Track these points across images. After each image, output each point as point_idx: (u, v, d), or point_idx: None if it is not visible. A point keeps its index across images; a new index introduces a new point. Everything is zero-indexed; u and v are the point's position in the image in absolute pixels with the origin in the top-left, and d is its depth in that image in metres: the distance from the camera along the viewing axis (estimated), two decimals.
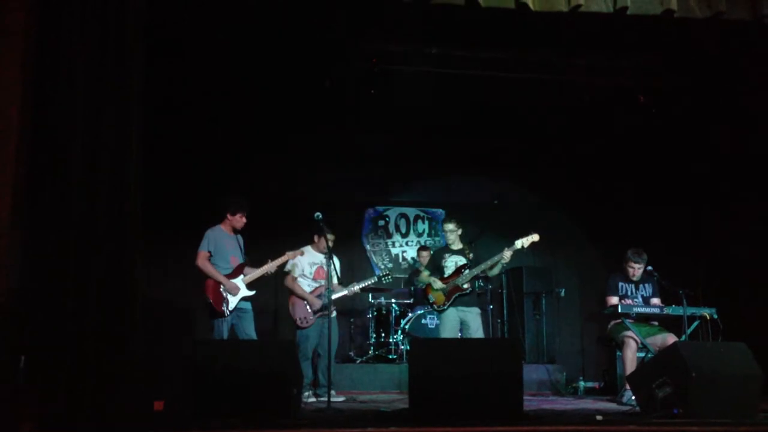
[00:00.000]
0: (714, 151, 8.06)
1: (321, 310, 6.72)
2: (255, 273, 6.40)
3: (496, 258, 6.27)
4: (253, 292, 6.42)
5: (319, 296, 6.80)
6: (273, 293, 8.11)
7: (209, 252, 6.27)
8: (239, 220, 6.43)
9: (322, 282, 6.85)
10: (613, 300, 6.65)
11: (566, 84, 7.72)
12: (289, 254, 6.65)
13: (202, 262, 6.23)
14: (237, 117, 8.41)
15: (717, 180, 8.07)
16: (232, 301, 6.25)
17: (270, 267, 6.50)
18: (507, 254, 6.23)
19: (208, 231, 6.36)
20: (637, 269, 6.67)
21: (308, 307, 6.76)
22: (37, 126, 4.08)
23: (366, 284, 7.26)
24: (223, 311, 6.17)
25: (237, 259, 6.41)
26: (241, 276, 6.36)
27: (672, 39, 6.63)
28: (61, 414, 3.74)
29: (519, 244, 6.29)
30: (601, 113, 8.42)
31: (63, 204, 4.03)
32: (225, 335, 6.19)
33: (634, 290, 6.73)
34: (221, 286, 6.21)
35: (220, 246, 6.34)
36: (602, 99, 8.08)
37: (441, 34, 6.99)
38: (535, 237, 6.32)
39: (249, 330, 6.31)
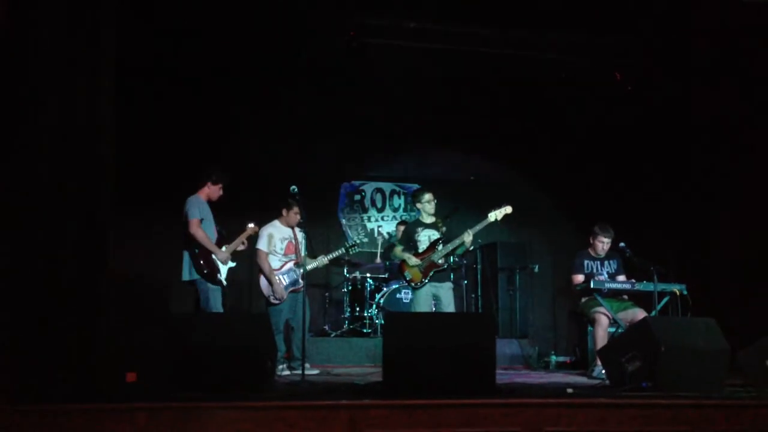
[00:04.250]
0: (687, 128, 8.13)
1: (293, 284, 6.69)
2: (228, 249, 6.35)
3: (457, 242, 6.29)
4: (234, 264, 6.37)
5: (288, 271, 6.75)
6: (249, 267, 8.09)
7: (200, 219, 6.07)
8: (217, 191, 6.31)
9: (293, 257, 6.81)
10: (579, 278, 6.73)
11: (543, 61, 7.71)
12: (251, 228, 6.60)
13: (196, 229, 5.99)
14: (211, 89, 8.30)
15: (690, 158, 8.15)
16: (223, 271, 6.20)
17: (238, 242, 6.47)
18: (467, 239, 6.25)
19: (192, 198, 6.15)
20: (606, 244, 6.76)
21: (281, 283, 6.69)
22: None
23: (334, 255, 7.20)
24: (220, 280, 6.12)
25: (215, 230, 6.32)
26: (224, 247, 6.30)
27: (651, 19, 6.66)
28: (32, 387, 3.71)
29: (492, 216, 6.32)
30: (577, 91, 8.45)
31: (32, 165, 3.95)
32: (220, 306, 6.10)
33: (599, 267, 6.81)
34: (213, 255, 6.11)
35: (206, 215, 6.19)
36: (578, 77, 8.10)
37: (419, 7, 6.94)
38: (508, 209, 6.34)
39: (219, 303, 6.17)
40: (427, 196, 6.59)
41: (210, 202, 6.32)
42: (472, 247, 6.49)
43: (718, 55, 7.21)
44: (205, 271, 6.05)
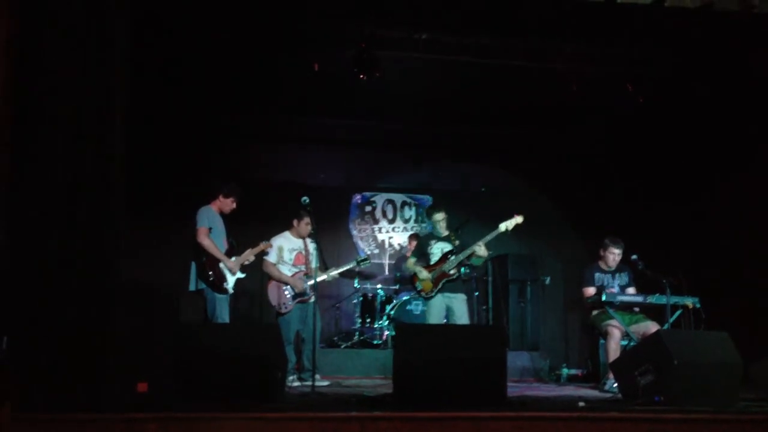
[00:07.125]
0: (700, 141, 8.09)
1: (300, 295, 6.68)
2: (238, 260, 6.38)
3: (468, 251, 6.28)
4: (243, 275, 6.40)
5: (299, 280, 6.75)
6: (260, 278, 8.11)
7: (209, 228, 6.16)
8: (229, 204, 6.39)
9: (302, 267, 6.80)
10: (590, 291, 6.68)
11: (555, 72, 7.70)
12: (264, 244, 6.64)
13: (203, 237, 6.08)
14: (224, 100, 8.34)
15: (702, 170, 8.11)
16: (231, 280, 6.23)
17: (248, 255, 6.49)
18: (477, 249, 6.23)
19: (202, 209, 6.24)
20: (617, 256, 6.73)
21: (287, 292, 6.67)
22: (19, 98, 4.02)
23: (344, 269, 7.15)
24: (226, 289, 6.15)
25: (226, 241, 6.38)
26: (233, 258, 6.33)
27: (663, 28, 6.63)
28: (42, 394, 3.72)
29: (503, 227, 6.31)
30: (589, 102, 8.42)
31: (45, 176, 3.97)
32: (227, 316, 6.14)
33: (610, 280, 6.77)
34: (220, 264, 6.15)
35: (216, 225, 6.26)
36: (590, 87, 8.07)
37: (431, 19, 6.95)
38: (519, 219, 6.33)
39: (225, 313, 6.21)
40: (438, 216, 6.58)
41: (223, 215, 6.38)
42: (485, 256, 6.49)
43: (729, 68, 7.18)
44: (211, 279, 6.07)
